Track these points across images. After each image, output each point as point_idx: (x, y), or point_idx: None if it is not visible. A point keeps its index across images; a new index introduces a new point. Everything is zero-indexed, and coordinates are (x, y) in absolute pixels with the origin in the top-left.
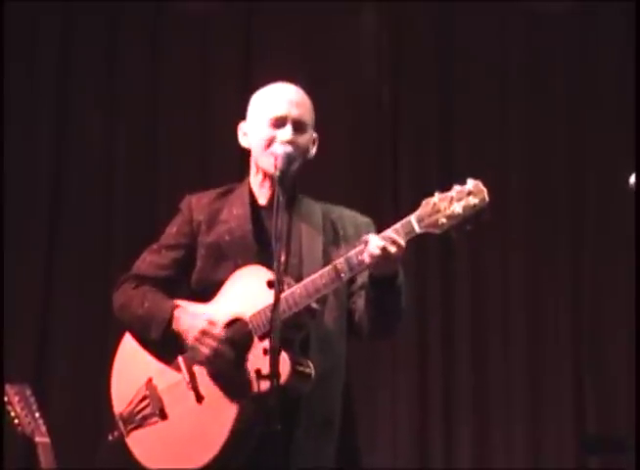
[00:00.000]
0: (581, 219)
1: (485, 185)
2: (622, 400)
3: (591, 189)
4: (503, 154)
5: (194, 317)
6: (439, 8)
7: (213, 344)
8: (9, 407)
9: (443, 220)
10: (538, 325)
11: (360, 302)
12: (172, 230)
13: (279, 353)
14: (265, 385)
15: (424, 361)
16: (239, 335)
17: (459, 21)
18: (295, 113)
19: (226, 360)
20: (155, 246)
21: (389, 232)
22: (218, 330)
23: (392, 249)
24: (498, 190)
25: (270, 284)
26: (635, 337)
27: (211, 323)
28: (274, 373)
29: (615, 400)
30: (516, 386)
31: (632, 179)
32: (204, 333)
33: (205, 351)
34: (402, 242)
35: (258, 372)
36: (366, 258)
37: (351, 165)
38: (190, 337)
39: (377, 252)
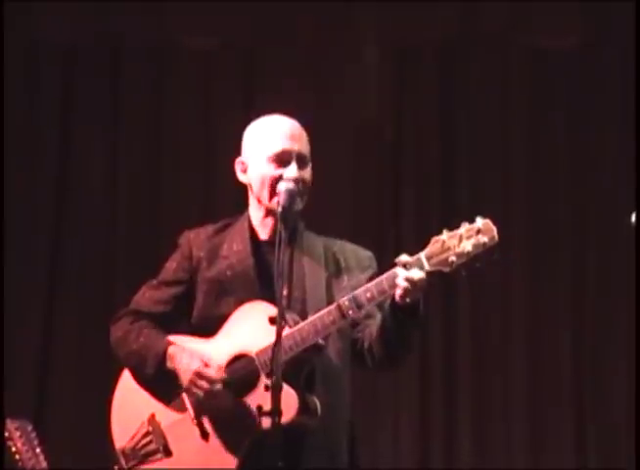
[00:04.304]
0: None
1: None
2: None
3: (591, 227)
4: (506, 189)
5: (190, 357)
6: (441, 47)
7: (207, 386)
8: (10, 443)
9: (453, 258)
10: (539, 357)
11: (369, 330)
12: (172, 266)
13: (280, 390)
14: (267, 422)
15: (425, 388)
16: (244, 371)
17: (461, 60)
18: (297, 147)
19: (221, 402)
20: (154, 281)
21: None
22: (213, 372)
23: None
24: (500, 219)
25: (272, 321)
26: (635, 370)
27: (206, 365)
28: (276, 410)
29: (616, 439)
30: (517, 419)
31: (633, 218)
32: (198, 375)
33: (200, 393)
34: (422, 274)
35: (260, 408)
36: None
37: (354, 203)
38: (185, 378)
39: (403, 284)
